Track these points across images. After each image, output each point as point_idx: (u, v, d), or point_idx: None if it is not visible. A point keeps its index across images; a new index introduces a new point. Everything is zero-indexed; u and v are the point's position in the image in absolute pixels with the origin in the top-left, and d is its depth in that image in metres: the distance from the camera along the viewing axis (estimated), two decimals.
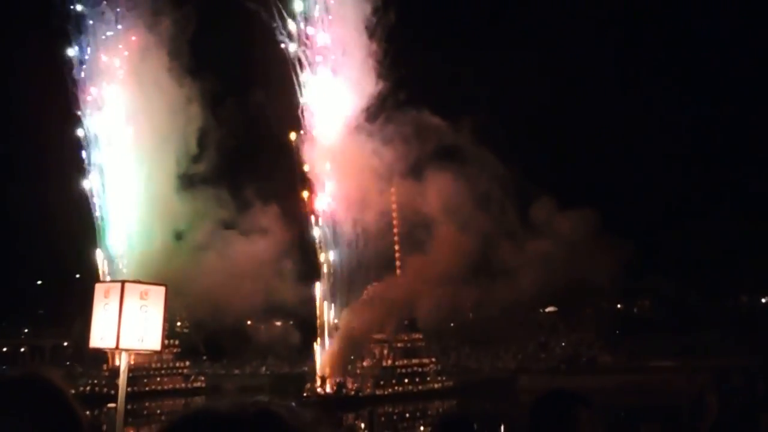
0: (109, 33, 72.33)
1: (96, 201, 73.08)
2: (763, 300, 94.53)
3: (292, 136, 66.77)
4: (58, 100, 70.74)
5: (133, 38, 71.93)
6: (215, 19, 70.50)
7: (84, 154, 72.65)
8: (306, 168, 66.94)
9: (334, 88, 66.75)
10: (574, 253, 67.18)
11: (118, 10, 72.10)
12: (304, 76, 67.16)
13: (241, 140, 70.65)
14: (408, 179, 66.94)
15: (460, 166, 66.16)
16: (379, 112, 65.64)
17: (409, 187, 67.07)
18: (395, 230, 70.65)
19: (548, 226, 69.54)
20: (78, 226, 72.96)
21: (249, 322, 77.95)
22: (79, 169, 72.50)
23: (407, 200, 67.89)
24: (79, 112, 71.92)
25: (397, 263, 70.92)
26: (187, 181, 71.13)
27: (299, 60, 67.08)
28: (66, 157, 72.47)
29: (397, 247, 70.87)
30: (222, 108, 69.37)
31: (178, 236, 71.55)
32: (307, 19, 67.27)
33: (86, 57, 72.40)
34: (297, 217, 68.02)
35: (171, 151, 70.61)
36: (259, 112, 68.70)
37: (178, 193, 71.06)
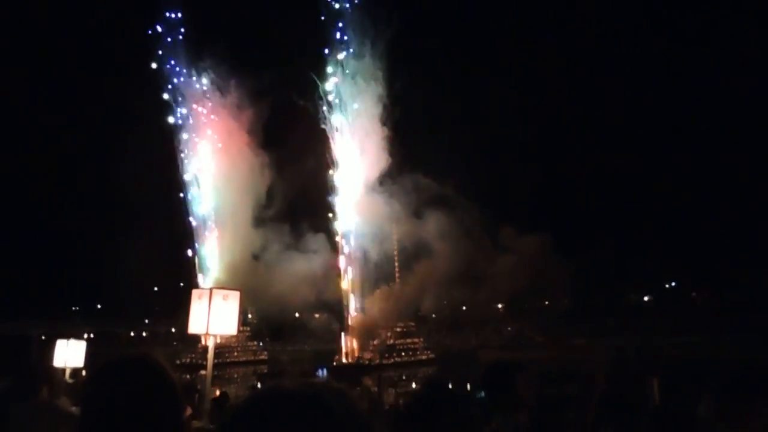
0: (207, 130, 73.35)
1: (196, 234, 73.56)
2: (645, 298, 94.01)
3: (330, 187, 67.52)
4: (170, 169, 71.81)
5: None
6: (279, 109, 71.03)
7: (188, 202, 73.56)
8: (337, 213, 67.52)
9: (358, 161, 67.27)
10: (530, 266, 66.61)
11: (210, 106, 73.38)
12: (339, 151, 67.97)
13: (298, 192, 70.47)
14: (409, 219, 66.94)
15: (447, 208, 66.34)
16: (388, 177, 66.42)
17: (410, 224, 67.04)
18: (395, 254, 70.70)
19: (511, 246, 69.24)
20: (182, 251, 73.35)
21: (297, 315, 77.14)
22: (183, 212, 73.22)
23: (408, 233, 67.79)
24: (185, 173, 73.01)
25: (397, 275, 70.93)
26: (260, 221, 71.21)
27: (336, 140, 68.02)
28: (175, 205, 73.29)
29: (396, 265, 70.88)
30: (284, 171, 69.68)
31: (255, 257, 71.27)
32: (340, 113, 68.20)
33: (188, 139, 73.49)
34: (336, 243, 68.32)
35: (248, 201, 70.68)
36: (309, 175, 69.35)
37: (253, 228, 70.98)
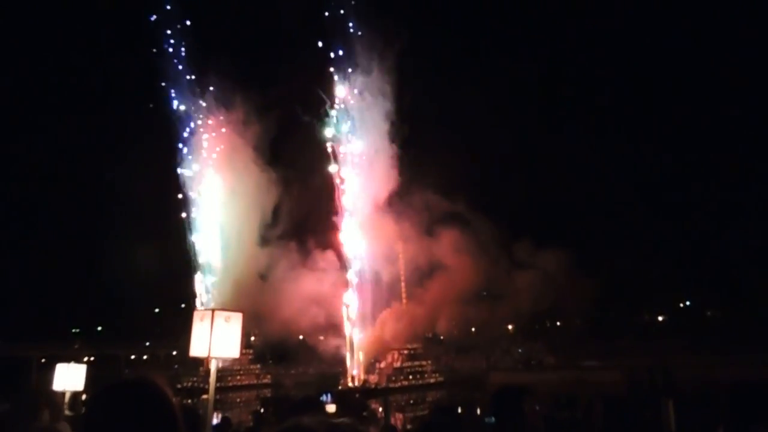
0: (211, 147, 73.72)
1: (199, 253, 73.53)
2: (660, 318, 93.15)
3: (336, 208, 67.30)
4: (172, 187, 72.16)
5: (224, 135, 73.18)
6: (286, 126, 71.08)
7: (190, 220, 73.77)
8: (344, 233, 67.03)
9: (365, 180, 67.02)
10: (546, 284, 64.71)
11: (214, 122, 73.82)
12: (346, 170, 67.87)
13: (305, 210, 69.94)
14: (420, 238, 65.90)
15: (459, 224, 65.46)
16: (396, 197, 65.91)
17: (420, 242, 66.14)
18: (402, 275, 70.16)
19: (527, 263, 67.66)
20: (184, 271, 73.35)
21: (301, 337, 76.47)
22: (186, 230, 73.31)
23: (416, 252, 66.77)
24: (189, 191, 73.22)
25: (403, 296, 70.33)
26: (265, 239, 70.46)
27: (342, 157, 68.01)
28: (175, 223, 73.42)
29: (403, 285, 70.34)
30: (291, 189, 69.16)
31: (262, 277, 70.12)
32: (348, 129, 68.19)
33: (191, 155, 73.91)
34: (343, 263, 67.59)
35: (254, 219, 70.00)
36: (315, 192, 69.04)
37: (259, 247, 70.13)
